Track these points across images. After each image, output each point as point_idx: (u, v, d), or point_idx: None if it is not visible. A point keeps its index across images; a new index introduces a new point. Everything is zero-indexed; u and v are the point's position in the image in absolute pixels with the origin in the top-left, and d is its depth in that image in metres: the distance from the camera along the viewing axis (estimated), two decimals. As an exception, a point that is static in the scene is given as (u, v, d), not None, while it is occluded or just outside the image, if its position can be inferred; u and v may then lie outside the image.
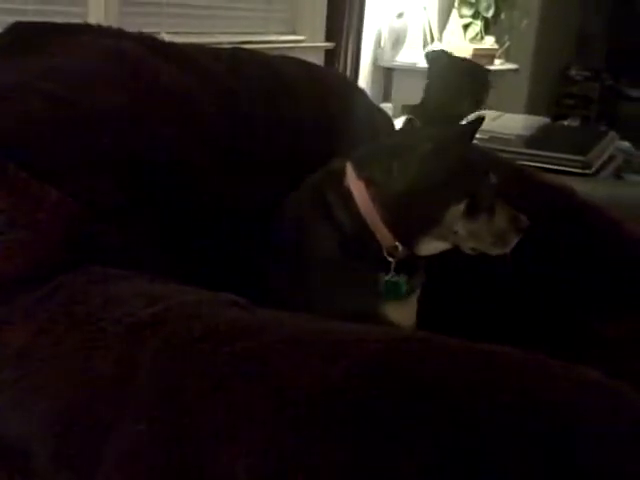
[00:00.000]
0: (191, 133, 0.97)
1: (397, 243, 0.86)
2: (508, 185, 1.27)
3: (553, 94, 4.80)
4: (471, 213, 0.85)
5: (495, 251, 0.88)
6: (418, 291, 0.92)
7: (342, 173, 0.89)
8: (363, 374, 0.54)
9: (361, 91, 1.46)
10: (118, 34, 1.08)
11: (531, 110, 3.73)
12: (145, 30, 1.10)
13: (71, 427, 0.58)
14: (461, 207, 0.85)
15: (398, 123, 2.13)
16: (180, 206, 0.90)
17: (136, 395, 0.57)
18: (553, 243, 1.16)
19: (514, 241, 0.88)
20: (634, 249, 1.15)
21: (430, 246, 0.88)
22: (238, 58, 1.21)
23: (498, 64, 2.96)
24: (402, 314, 0.89)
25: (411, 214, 0.86)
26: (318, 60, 2.31)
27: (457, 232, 0.86)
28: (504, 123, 1.79)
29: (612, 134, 1.84)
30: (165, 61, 1.04)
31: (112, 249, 0.74)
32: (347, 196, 0.87)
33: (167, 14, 1.81)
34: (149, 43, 1.08)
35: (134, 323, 0.61)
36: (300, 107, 1.17)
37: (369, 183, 0.86)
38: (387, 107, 2.40)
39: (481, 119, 0.94)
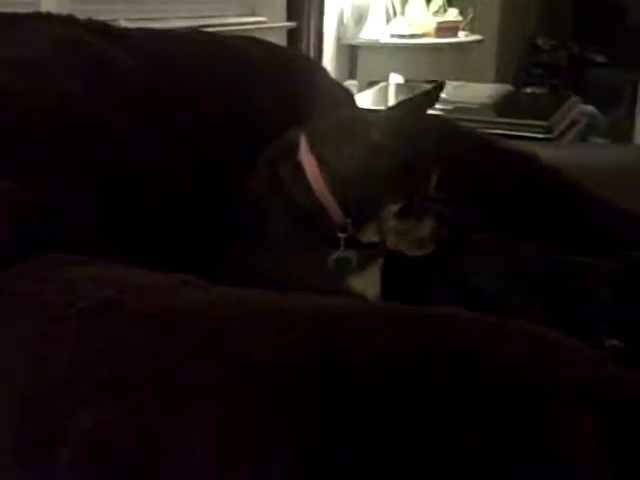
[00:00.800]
0: (145, 120, 0.96)
1: (348, 220, 0.87)
2: (472, 155, 1.29)
3: (521, 64, 4.82)
4: (402, 215, 0.89)
5: (411, 253, 0.92)
6: (380, 261, 0.93)
7: (296, 146, 0.89)
8: (314, 343, 0.54)
9: (320, 68, 1.46)
10: (68, 21, 1.07)
11: (500, 80, 3.73)
12: (100, 18, 1.09)
13: (30, 413, 0.58)
14: (396, 207, 0.88)
15: (364, 98, 2.12)
16: (137, 194, 0.89)
17: (92, 378, 0.57)
18: (517, 208, 1.17)
19: (430, 250, 0.92)
20: (593, 210, 1.16)
21: (367, 234, 0.90)
22: (194, 40, 1.21)
23: (462, 36, 2.97)
24: (364, 286, 0.90)
25: (354, 201, 0.88)
26: (280, 40, 2.30)
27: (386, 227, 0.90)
28: (468, 93, 1.80)
29: (575, 98, 1.86)
30: (117, 47, 1.03)
31: (65, 237, 0.74)
32: (299, 171, 0.87)
33: (122, 0, 1.78)
34: (100, 29, 1.07)
35: (89, 306, 0.61)
36: (259, 86, 1.16)
37: (321, 160, 0.87)
38: (352, 84, 2.39)
39: (431, 95, 0.95)
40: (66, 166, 0.81)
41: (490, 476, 0.48)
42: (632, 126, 3.33)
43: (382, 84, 2.19)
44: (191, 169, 0.98)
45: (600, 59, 5.19)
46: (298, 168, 0.87)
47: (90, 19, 1.08)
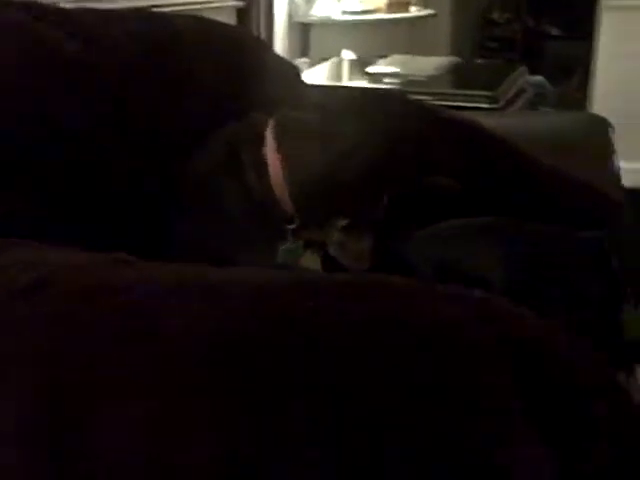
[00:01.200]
0: (83, 101, 0.95)
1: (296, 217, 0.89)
2: (420, 126, 1.30)
3: (476, 38, 4.84)
4: (346, 229, 0.92)
5: (347, 263, 0.95)
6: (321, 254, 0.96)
7: (262, 137, 0.90)
8: (242, 314, 0.55)
9: (264, 44, 1.46)
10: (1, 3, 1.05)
11: (455, 55, 3.75)
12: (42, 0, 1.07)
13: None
14: (342, 222, 0.92)
15: (316, 73, 2.12)
16: (84, 176, 0.89)
17: (19, 362, 0.56)
18: (466, 178, 1.19)
19: (366, 265, 0.94)
20: (534, 175, 1.18)
21: (312, 234, 0.94)
22: (132, 18, 1.19)
23: (414, 11, 2.97)
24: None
25: (306, 204, 0.91)
26: (230, 20, 2.27)
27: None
28: (416, 66, 1.81)
29: (522, 68, 1.88)
30: (53, 27, 1.02)
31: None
32: (262, 161, 0.89)
33: (62, -18, 1.74)
34: (34, 10, 1.05)
35: (17, 289, 0.60)
36: (197, 61, 1.15)
37: (284, 158, 0.90)
38: (304, 62, 2.39)
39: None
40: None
41: (413, 431, 0.49)
42: (585, 97, 3.38)
43: (334, 59, 2.19)
44: (128, 145, 0.97)
45: (555, 32, 5.24)
46: (261, 158, 0.89)
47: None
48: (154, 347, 0.55)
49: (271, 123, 0.94)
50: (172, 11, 1.67)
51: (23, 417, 0.54)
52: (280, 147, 0.91)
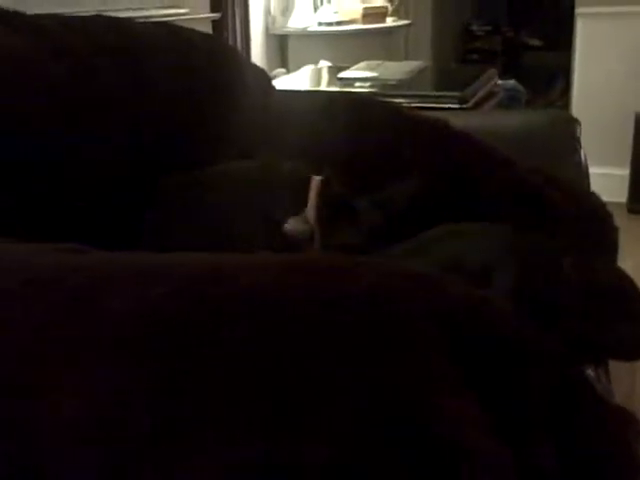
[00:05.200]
0: (38, 100, 0.95)
1: None
2: (381, 121, 1.31)
3: (457, 50, 4.89)
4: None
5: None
6: None
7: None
8: (179, 296, 0.55)
9: (234, 50, 1.47)
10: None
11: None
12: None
13: None
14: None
15: (294, 80, 2.14)
16: (35, 171, 0.89)
17: None
18: (429, 172, 1.19)
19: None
20: (501, 172, 1.19)
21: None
22: (93, 23, 1.20)
23: (390, 21, 3.00)
24: None
25: None
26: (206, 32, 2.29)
27: None
28: (386, 70, 1.82)
29: (491, 71, 1.90)
30: (9, 28, 1.02)
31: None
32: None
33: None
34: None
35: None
36: (156, 65, 1.15)
37: None
38: (281, 72, 2.40)
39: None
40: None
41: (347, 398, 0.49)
42: (567, 106, 3.42)
43: (310, 66, 2.21)
44: (87, 144, 0.97)
45: (534, 43, 5.30)
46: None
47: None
48: (94, 328, 0.55)
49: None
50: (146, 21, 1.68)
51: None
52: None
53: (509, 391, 0.52)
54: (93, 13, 1.46)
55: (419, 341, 0.50)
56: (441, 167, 1.22)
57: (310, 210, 0.97)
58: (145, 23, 1.25)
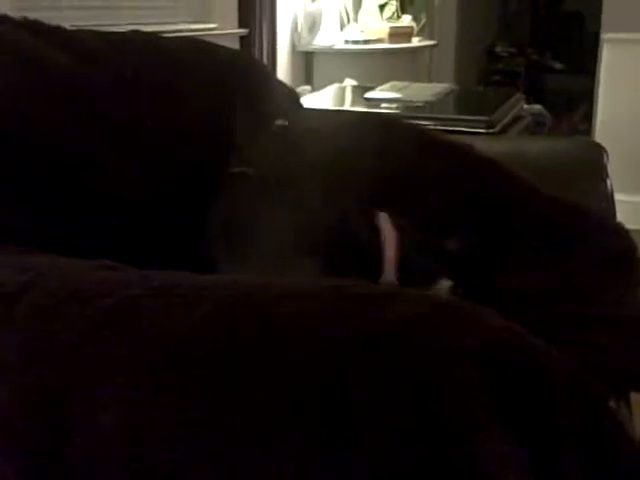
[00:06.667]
0: (79, 116, 0.96)
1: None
2: (410, 148, 1.31)
3: (480, 71, 4.90)
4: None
5: None
6: None
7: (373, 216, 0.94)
8: (222, 317, 0.55)
9: (263, 66, 1.48)
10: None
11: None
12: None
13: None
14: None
15: (319, 98, 2.15)
16: (72, 188, 0.90)
17: (6, 362, 0.57)
18: (453, 199, 1.19)
19: None
20: (527, 200, 1.18)
21: None
22: (129, 39, 1.21)
23: (416, 41, 3.01)
24: None
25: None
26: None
27: None
28: (412, 92, 1.83)
29: (518, 95, 1.90)
30: (51, 45, 1.04)
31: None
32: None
33: (67, 7, 1.78)
34: (34, 28, 1.07)
35: (5, 292, 0.61)
36: (189, 82, 1.17)
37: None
38: (306, 89, 2.42)
39: None
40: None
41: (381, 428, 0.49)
42: (589, 131, 3.40)
43: (335, 85, 2.22)
44: (127, 164, 0.98)
45: (558, 66, 5.30)
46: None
47: (25, 17, 1.09)
48: (131, 346, 0.55)
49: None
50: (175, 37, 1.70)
51: (7, 418, 0.54)
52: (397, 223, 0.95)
53: (541, 424, 0.52)
54: (127, 26, 1.48)
55: (458, 378, 0.50)
56: (471, 195, 1.21)
57: (389, 272, 0.95)
58: (178, 39, 1.26)
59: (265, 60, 2.46)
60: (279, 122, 1.25)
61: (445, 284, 0.93)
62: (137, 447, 0.51)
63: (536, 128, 2.12)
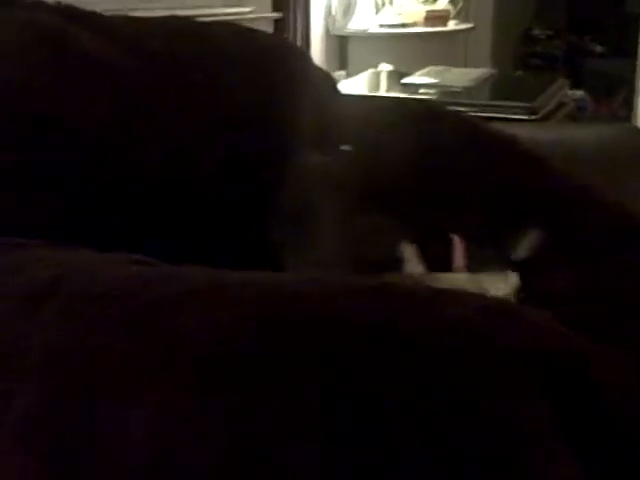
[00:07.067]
0: (120, 104, 0.95)
1: None
2: (452, 138, 1.26)
3: (517, 54, 4.79)
4: None
5: None
6: None
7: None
8: (251, 320, 0.53)
9: (303, 53, 1.45)
10: (34, 5, 1.06)
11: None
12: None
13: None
14: None
15: (354, 84, 2.11)
16: (101, 176, 0.88)
17: (30, 362, 0.55)
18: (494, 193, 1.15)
19: None
20: (575, 200, 1.13)
21: None
22: (167, 24, 1.19)
23: (452, 25, 2.95)
24: None
25: None
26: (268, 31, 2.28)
27: None
28: (451, 77, 1.78)
29: (561, 80, 1.84)
30: (86, 30, 1.02)
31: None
32: None
33: (102, -9, 1.76)
34: (68, 12, 1.06)
35: (32, 290, 0.60)
36: (234, 69, 1.15)
37: None
38: (341, 74, 2.38)
39: None
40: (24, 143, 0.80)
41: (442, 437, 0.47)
42: (629, 116, 3.31)
43: (372, 70, 2.18)
44: (169, 153, 0.96)
45: (598, 49, 5.16)
46: None
47: (59, 2, 1.07)
48: (158, 346, 0.53)
49: None
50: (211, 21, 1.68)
51: (30, 417, 0.53)
52: None
53: (601, 436, 0.49)
54: (162, 11, 1.46)
55: (520, 384, 0.47)
56: (504, 188, 1.17)
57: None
58: (214, 23, 1.24)
59: (299, 44, 2.43)
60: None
61: (513, 279, 0.90)
62: (164, 452, 0.49)
63: (577, 113, 2.06)
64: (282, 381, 0.49)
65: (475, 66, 3.22)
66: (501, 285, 0.90)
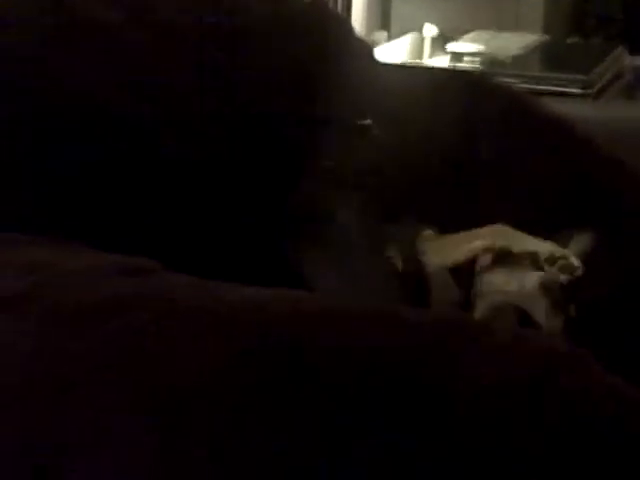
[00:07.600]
0: (121, 76, 0.87)
1: None
2: (501, 119, 1.16)
3: (571, 14, 4.56)
4: None
5: None
6: None
7: None
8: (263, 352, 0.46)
9: (335, 15, 1.35)
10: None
11: (547, 32, 3.53)
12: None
13: None
14: None
15: (394, 49, 2.00)
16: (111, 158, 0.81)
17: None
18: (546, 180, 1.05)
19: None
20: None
21: None
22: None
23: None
24: None
25: None
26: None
27: None
28: (499, 43, 1.66)
29: (620, 49, 1.70)
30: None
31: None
32: None
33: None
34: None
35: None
36: (260, 38, 1.06)
37: None
38: (382, 36, 2.27)
39: None
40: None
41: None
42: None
43: (414, 34, 2.06)
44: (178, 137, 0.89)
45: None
46: None
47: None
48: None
49: None
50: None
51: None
52: None
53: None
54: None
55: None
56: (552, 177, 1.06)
57: None
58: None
59: (339, 2, 2.31)
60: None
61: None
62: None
63: (636, 83, 1.91)
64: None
65: (524, 27, 3.05)
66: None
